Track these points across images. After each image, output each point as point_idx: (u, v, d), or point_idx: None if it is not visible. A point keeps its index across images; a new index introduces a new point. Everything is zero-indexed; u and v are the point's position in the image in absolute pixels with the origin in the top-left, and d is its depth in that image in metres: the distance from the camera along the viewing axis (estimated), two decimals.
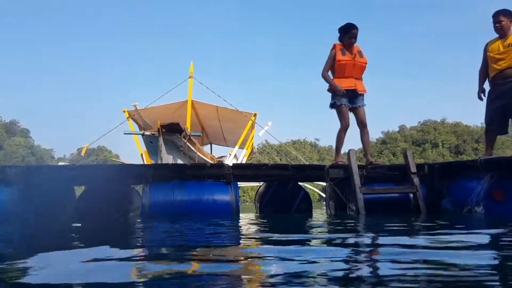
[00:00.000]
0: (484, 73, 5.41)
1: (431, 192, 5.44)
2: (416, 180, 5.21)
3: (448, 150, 69.74)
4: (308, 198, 6.28)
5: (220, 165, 5.90)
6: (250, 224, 3.98)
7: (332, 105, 5.87)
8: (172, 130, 6.84)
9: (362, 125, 5.89)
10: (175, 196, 5.25)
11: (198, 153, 7.59)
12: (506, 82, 5.09)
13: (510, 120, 5.18)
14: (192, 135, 7.10)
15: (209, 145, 18.32)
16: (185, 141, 6.67)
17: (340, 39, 5.91)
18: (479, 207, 4.38)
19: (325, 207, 6.73)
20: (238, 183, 6.05)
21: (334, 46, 5.90)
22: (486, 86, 5.42)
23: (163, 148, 6.82)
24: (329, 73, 6.01)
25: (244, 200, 51.13)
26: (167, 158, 7.00)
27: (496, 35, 5.28)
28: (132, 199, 5.71)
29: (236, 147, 13.50)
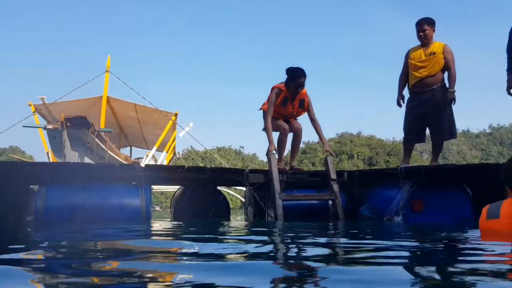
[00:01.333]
0: (404, 80, 5.42)
1: (350, 199, 5.34)
2: (335, 187, 5.07)
3: (362, 161, 73.17)
4: (226, 203, 5.96)
5: (130, 165, 5.38)
6: (151, 230, 3.59)
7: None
8: (78, 124, 6.17)
9: (298, 130, 5.49)
10: (77, 200, 4.65)
11: (109, 152, 6.95)
12: (426, 91, 5.12)
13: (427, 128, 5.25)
14: (102, 131, 6.46)
15: (128, 148, 17.35)
16: (93, 137, 6.04)
17: (286, 84, 5.28)
18: (398, 216, 4.30)
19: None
20: (154, 186, 5.57)
21: (278, 91, 5.29)
22: (406, 93, 5.45)
23: (67, 143, 6.14)
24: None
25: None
26: (72, 155, 6.32)
27: (418, 43, 5.32)
28: (29, 202, 5.00)
29: (154, 148, 12.79)
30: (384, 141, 78.25)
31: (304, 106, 5.38)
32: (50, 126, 6.85)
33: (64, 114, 6.45)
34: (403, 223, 4.21)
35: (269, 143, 5.26)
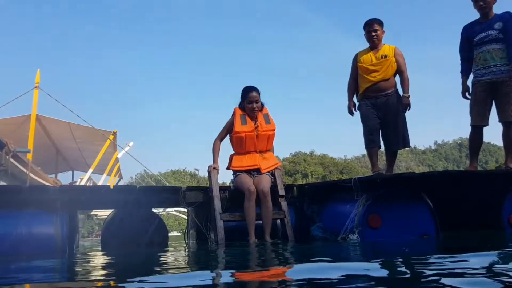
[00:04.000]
0: (353, 86, 5.06)
1: (301, 218, 4.79)
2: (284, 204, 4.49)
3: (316, 180, 73.74)
4: (163, 228, 5.21)
5: (41, 187, 4.57)
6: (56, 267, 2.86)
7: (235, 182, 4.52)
8: None
9: (262, 194, 4.28)
10: None
11: (31, 174, 6.06)
12: (379, 96, 4.78)
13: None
14: (18, 152, 5.61)
15: (70, 172, 16.09)
16: (7, 157, 5.19)
17: (240, 105, 4.62)
18: (354, 234, 3.76)
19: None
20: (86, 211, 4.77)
21: (234, 112, 4.63)
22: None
23: None
24: (222, 145, 4.76)
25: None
26: None
27: (366, 46, 4.97)
28: None
29: (90, 170, 11.78)
30: (336, 159, 79.53)
31: (271, 121, 4.61)
32: None
33: None
34: (358, 242, 3.68)
35: (213, 161, 4.65)
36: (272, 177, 4.52)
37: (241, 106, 4.62)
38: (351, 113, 5.05)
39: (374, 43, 4.87)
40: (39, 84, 9.57)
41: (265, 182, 4.36)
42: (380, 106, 4.76)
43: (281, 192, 4.53)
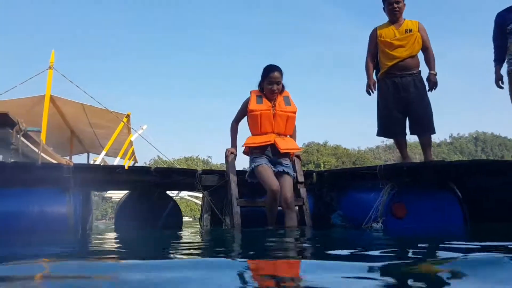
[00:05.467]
0: (372, 63, 4.70)
1: (319, 205, 4.62)
2: (302, 191, 4.32)
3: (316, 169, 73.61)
4: (177, 211, 5.13)
5: (55, 165, 4.47)
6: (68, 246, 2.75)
7: (251, 173, 4.09)
8: None
9: (285, 204, 3.93)
10: None
11: (43, 154, 5.97)
12: (405, 75, 4.47)
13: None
14: (29, 131, 5.51)
15: (85, 155, 16.08)
16: (18, 137, 5.09)
17: (260, 85, 4.24)
18: (377, 223, 3.58)
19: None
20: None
21: (250, 94, 4.28)
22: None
23: None
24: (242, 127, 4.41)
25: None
26: None
27: (385, 21, 4.67)
28: None
29: (103, 152, 11.72)
30: (350, 150, 78.99)
31: (291, 103, 4.23)
32: None
33: None
34: (382, 232, 3.51)
35: (231, 144, 4.41)
36: (293, 176, 4.15)
37: (260, 86, 4.23)
38: (370, 91, 4.70)
39: (395, 17, 4.55)
40: (53, 65, 9.51)
41: (288, 187, 3.95)
42: (406, 87, 4.44)
43: (300, 178, 4.37)
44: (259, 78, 4.25)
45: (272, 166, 4.03)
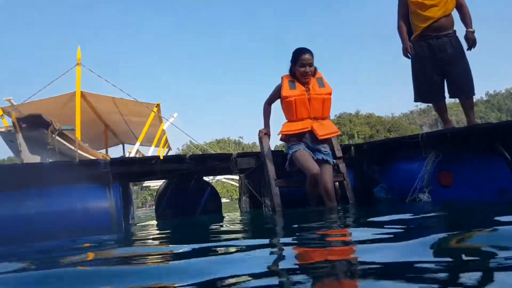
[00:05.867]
0: (405, 26, 4.46)
1: (360, 179, 4.49)
2: (342, 166, 4.20)
3: (363, 140, 72.51)
4: (216, 196, 5.13)
5: (92, 161, 4.51)
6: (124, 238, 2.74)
7: (290, 161, 3.91)
8: (33, 124, 5.29)
9: (326, 193, 3.77)
10: (26, 209, 3.80)
11: (80, 151, 6.06)
12: (440, 36, 4.22)
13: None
14: (63, 130, 5.59)
15: (121, 146, 16.35)
16: (54, 136, 5.17)
17: (291, 70, 4.04)
18: (424, 194, 3.44)
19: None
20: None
21: (282, 79, 4.09)
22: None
23: (23, 147, 5.28)
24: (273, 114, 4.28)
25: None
26: (31, 159, 5.46)
27: None
28: None
29: (137, 143, 11.85)
30: (383, 117, 77.64)
31: (325, 85, 4.01)
32: (1, 129, 5.97)
33: (15, 113, 5.57)
34: (430, 202, 3.36)
35: (264, 125, 4.30)
36: (333, 163, 3.93)
37: (291, 71, 4.03)
38: (407, 54, 4.46)
39: None
40: (80, 61, 9.60)
41: (328, 175, 3.79)
42: (442, 48, 4.21)
43: (338, 153, 4.24)
44: (288, 62, 4.07)
45: (311, 153, 3.85)
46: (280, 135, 4.09)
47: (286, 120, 4.05)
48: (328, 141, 4.01)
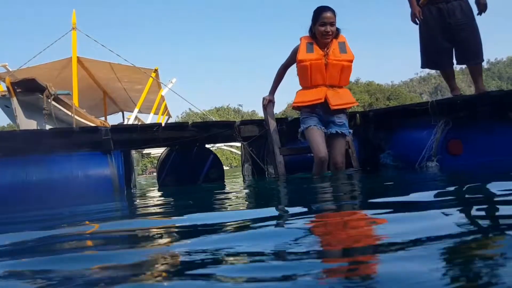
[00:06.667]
0: None
1: (366, 147, 4.42)
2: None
3: (362, 108, 72.34)
4: (218, 163, 5.06)
5: (93, 128, 4.42)
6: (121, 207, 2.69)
7: (302, 135, 3.78)
8: (28, 88, 5.15)
9: (334, 167, 3.69)
10: (29, 176, 3.76)
11: (76, 117, 5.94)
12: (450, 0, 4.07)
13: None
14: (58, 94, 5.45)
15: (120, 114, 16.19)
16: (49, 101, 5.05)
17: (311, 30, 3.74)
18: (432, 162, 3.37)
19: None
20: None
21: (300, 40, 3.80)
22: None
23: (19, 112, 5.17)
24: (289, 78, 4.06)
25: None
26: (28, 124, 5.36)
27: None
28: None
29: (136, 110, 11.70)
30: (383, 85, 77.19)
31: (348, 51, 3.73)
32: None
33: (9, 78, 5.43)
34: (439, 170, 3.30)
35: (269, 92, 4.14)
36: (348, 133, 3.75)
37: (311, 32, 3.73)
38: (416, 20, 4.29)
39: None
40: (76, 25, 9.34)
41: (339, 150, 3.67)
42: (452, 13, 4.05)
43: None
44: (307, 25, 3.78)
45: (324, 127, 3.67)
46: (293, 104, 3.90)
47: (300, 87, 3.85)
48: (343, 110, 3.78)
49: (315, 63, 3.64)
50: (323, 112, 3.67)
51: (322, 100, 3.64)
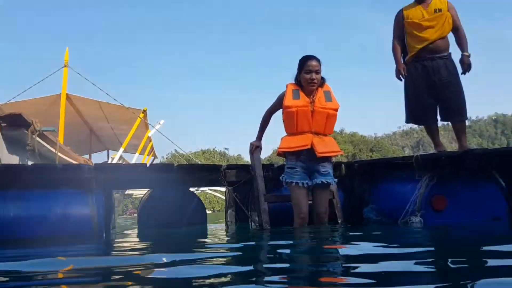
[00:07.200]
0: (399, 47, 4.42)
1: (350, 198, 4.42)
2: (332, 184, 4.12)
3: (346, 158, 72.98)
4: (201, 208, 4.98)
5: (76, 166, 4.35)
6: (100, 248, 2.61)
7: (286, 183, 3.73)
8: (13, 123, 5.10)
9: (317, 219, 3.68)
10: (6, 211, 3.64)
11: (60, 154, 5.86)
12: (436, 57, 4.19)
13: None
14: (44, 131, 5.40)
15: (105, 152, 16.05)
16: (33, 137, 4.98)
17: (297, 78, 3.81)
18: (416, 217, 3.37)
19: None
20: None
21: (286, 87, 3.83)
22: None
23: (1, 146, 5.07)
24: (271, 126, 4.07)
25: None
26: (10, 159, 5.24)
27: (410, 2, 4.40)
28: None
29: (121, 149, 11.64)
30: (367, 137, 78.35)
31: (333, 99, 3.76)
32: None
33: None
34: (422, 226, 3.31)
35: (256, 138, 4.11)
36: (333, 183, 3.75)
37: (297, 79, 3.78)
38: (400, 77, 4.42)
39: None
40: (68, 63, 9.42)
41: (323, 202, 3.67)
42: (437, 70, 4.17)
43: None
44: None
45: (308, 179, 3.63)
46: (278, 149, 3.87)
47: (285, 133, 3.85)
48: (328, 158, 3.78)
49: (301, 109, 3.64)
50: (308, 159, 3.64)
51: (309, 146, 3.61)
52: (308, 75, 3.64)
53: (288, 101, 3.69)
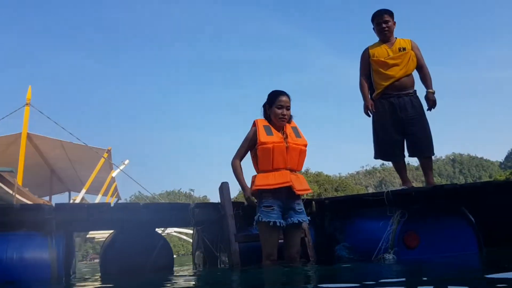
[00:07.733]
0: (366, 84, 4.51)
1: (322, 236, 4.35)
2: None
3: (312, 197, 73.44)
4: (168, 250, 4.74)
5: (35, 206, 4.12)
6: None
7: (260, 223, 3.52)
8: None
9: (289, 259, 3.56)
10: None
11: (18, 196, 5.59)
12: (402, 95, 4.29)
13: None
14: (1, 171, 5.16)
15: (67, 194, 15.44)
16: None
17: (265, 114, 3.74)
18: (389, 254, 3.33)
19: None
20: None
21: (255, 123, 3.69)
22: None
23: None
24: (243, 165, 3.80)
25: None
26: None
27: (375, 41, 4.55)
28: None
29: (83, 190, 11.26)
30: (331, 177, 79.20)
31: (301, 136, 3.72)
32: None
33: None
34: (396, 264, 3.26)
35: (243, 189, 3.77)
36: (307, 221, 3.62)
37: (266, 115, 3.73)
38: (368, 113, 4.50)
39: (385, 36, 4.43)
40: (30, 101, 9.17)
41: (296, 241, 3.56)
42: (403, 107, 4.27)
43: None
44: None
45: (281, 218, 3.46)
46: (253, 186, 3.65)
47: (256, 171, 3.69)
48: (300, 196, 3.67)
49: (277, 145, 3.54)
50: (285, 197, 3.52)
51: (290, 183, 3.48)
52: (279, 110, 3.58)
53: (263, 137, 3.56)
